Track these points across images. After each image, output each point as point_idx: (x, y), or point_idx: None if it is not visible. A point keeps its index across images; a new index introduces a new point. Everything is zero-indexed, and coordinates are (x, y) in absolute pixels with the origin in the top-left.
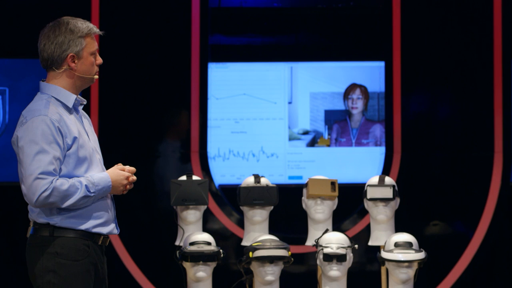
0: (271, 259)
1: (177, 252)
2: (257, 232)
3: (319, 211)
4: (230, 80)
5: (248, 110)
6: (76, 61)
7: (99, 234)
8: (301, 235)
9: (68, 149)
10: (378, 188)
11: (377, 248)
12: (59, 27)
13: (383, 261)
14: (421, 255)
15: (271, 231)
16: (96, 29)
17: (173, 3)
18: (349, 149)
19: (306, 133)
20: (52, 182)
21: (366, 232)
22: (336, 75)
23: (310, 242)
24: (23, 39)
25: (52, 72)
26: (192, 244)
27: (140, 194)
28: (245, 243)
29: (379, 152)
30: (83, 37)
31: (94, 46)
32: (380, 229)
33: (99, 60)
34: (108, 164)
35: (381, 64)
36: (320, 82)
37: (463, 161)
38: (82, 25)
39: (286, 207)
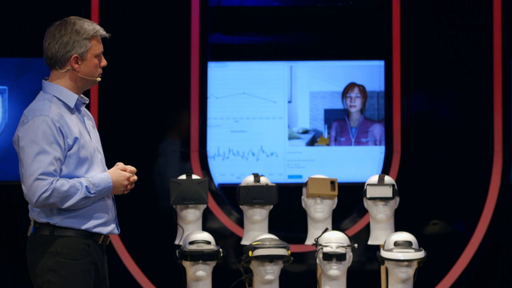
0: (271, 258)
1: (177, 251)
2: (256, 231)
3: (319, 210)
4: (230, 79)
5: (247, 109)
6: (79, 63)
7: (99, 234)
8: (300, 234)
9: (69, 150)
10: (377, 187)
11: (377, 247)
12: (65, 26)
13: (383, 260)
14: (420, 254)
15: (270, 230)
16: (102, 31)
17: (172, 2)
18: (349, 148)
19: (305, 132)
20: (52, 183)
21: (366, 231)
22: (336, 74)
23: (309, 241)
24: (23, 38)
25: (55, 71)
26: (191, 243)
27: (140, 193)
28: (244, 242)
29: (378, 151)
30: (89, 39)
31: (99, 48)
32: (379, 228)
33: (104, 62)
34: (107, 163)
35: (381, 63)
36: (320, 81)
37: (462, 160)
38: (89, 26)
39: (286, 206)
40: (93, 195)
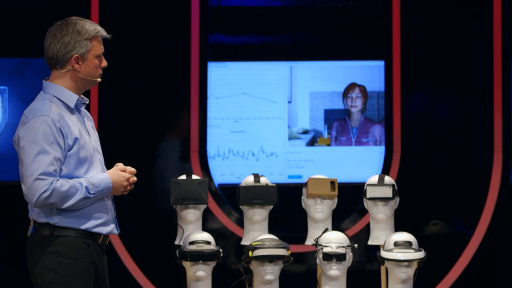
0: (271, 259)
1: (177, 251)
2: (256, 232)
3: (319, 210)
4: (230, 79)
5: (247, 109)
6: (80, 63)
7: (99, 234)
8: (300, 234)
9: (69, 150)
10: (377, 187)
11: (377, 248)
12: (66, 26)
13: (383, 260)
14: (420, 254)
15: (270, 231)
16: (103, 32)
17: (172, 2)
18: (349, 148)
19: (305, 132)
20: (52, 183)
21: (366, 231)
22: (336, 75)
23: (309, 241)
24: (23, 38)
25: (55, 71)
26: (191, 243)
27: (140, 193)
28: (244, 242)
29: (378, 151)
30: (90, 39)
31: (100, 49)
32: (379, 228)
33: (104, 63)
34: (107, 164)
35: (381, 63)
36: (320, 81)
37: (462, 160)
38: (90, 27)
39: (286, 206)
40: (92, 196)
